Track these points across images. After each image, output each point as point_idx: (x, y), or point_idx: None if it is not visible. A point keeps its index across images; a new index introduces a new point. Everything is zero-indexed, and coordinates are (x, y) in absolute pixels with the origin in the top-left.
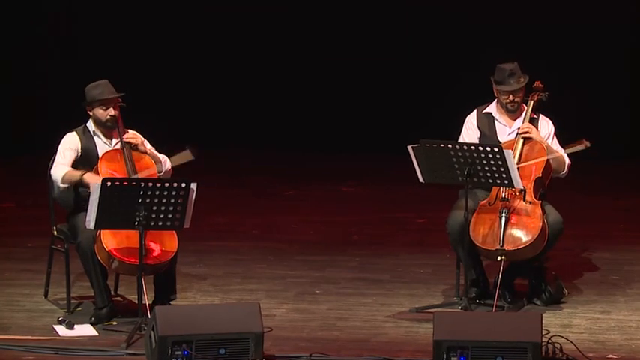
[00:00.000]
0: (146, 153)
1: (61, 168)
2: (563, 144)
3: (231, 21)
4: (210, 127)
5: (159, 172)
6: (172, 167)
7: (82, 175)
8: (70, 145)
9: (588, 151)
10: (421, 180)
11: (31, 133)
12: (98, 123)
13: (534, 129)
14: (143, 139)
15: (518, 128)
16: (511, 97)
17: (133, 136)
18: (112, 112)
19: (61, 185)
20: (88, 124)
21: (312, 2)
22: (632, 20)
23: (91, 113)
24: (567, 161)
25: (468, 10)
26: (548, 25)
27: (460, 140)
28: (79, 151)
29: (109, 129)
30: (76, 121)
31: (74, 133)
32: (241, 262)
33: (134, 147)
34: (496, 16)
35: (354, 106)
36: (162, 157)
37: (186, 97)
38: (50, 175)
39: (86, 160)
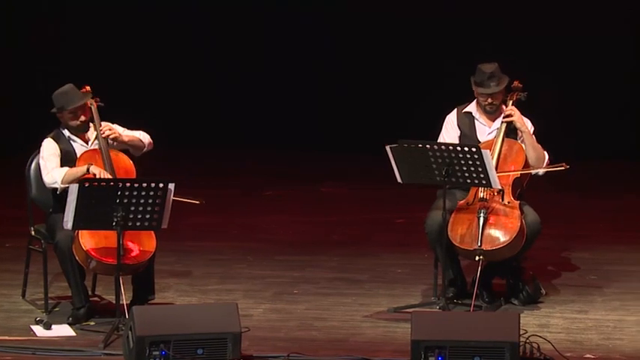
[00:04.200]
0: (124, 142)
1: (57, 171)
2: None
3: (219, 19)
4: (191, 127)
5: (141, 150)
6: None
7: (89, 168)
8: (52, 151)
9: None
10: (399, 180)
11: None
12: (70, 128)
13: (518, 112)
14: (117, 130)
15: (497, 129)
16: (489, 100)
17: (108, 128)
18: (82, 118)
19: (62, 186)
20: (61, 128)
21: (295, 3)
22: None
23: (61, 120)
24: (547, 157)
25: (451, 9)
26: (532, 23)
27: (440, 139)
28: (59, 155)
29: (81, 131)
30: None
31: (50, 139)
32: (220, 262)
33: (113, 140)
34: (479, 14)
35: (334, 106)
36: (139, 134)
37: (167, 96)
38: (44, 182)
39: (66, 163)
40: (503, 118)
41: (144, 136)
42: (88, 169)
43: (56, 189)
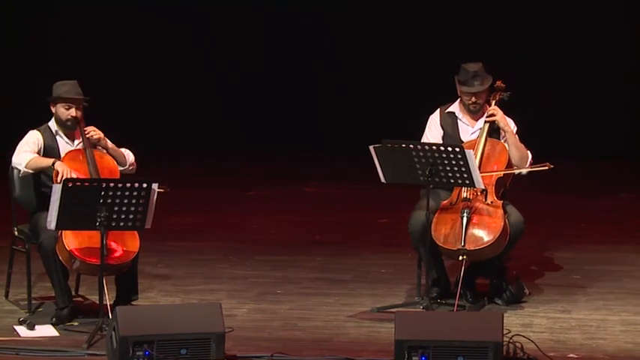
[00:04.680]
0: (107, 148)
1: (26, 154)
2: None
3: (199, 21)
4: (173, 127)
5: (122, 166)
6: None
7: (54, 163)
8: (33, 139)
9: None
10: (383, 180)
11: None
12: (59, 122)
13: (500, 111)
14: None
15: (480, 129)
16: (473, 99)
17: (93, 130)
18: (73, 112)
19: (23, 169)
20: (50, 124)
21: (278, 4)
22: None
23: (53, 110)
24: (530, 157)
25: (433, 9)
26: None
27: (423, 139)
28: (42, 148)
29: (69, 129)
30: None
31: (37, 131)
32: (203, 262)
33: (96, 142)
34: (461, 13)
35: (317, 106)
36: (125, 151)
37: (148, 96)
38: (11, 163)
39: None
40: (486, 117)
41: (128, 154)
42: (53, 164)
43: (19, 171)
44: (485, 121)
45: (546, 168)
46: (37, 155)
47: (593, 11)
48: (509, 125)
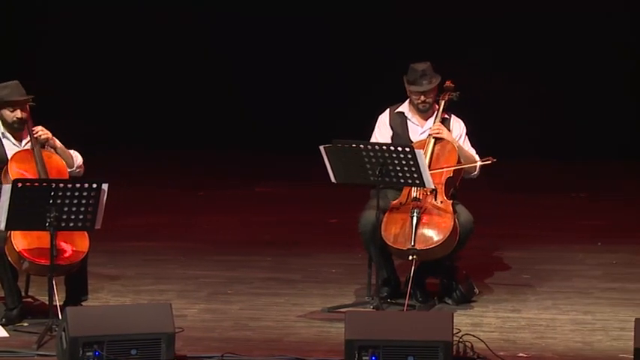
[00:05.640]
0: (55, 148)
1: None
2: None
3: (146, 21)
4: (124, 127)
5: (70, 168)
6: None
7: None
8: None
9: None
10: (333, 180)
11: None
12: (5, 124)
13: (445, 129)
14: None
15: (430, 128)
16: (422, 98)
17: (41, 129)
18: (19, 114)
19: None
20: None
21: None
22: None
23: None
24: (478, 162)
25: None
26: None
27: (373, 139)
28: None
29: (16, 130)
30: None
31: None
32: (153, 262)
33: (44, 142)
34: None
35: (268, 106)
36: (73, 153)
37: (102, 97)
38: None
39: None
40: (433, 133)
41: (76, 156)
42: None
43: None
44: (430, 135)
45: (489, 162)
46: None
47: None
48: (456, 141)
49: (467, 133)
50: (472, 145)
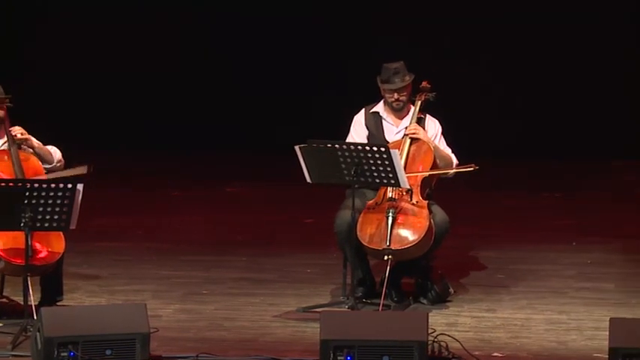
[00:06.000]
0: (33, 148)
1: None
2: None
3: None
4: (98, 128)
5: (50, 164)
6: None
7: None
8: None
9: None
10: (308, 180)
11: None
12: None
13: (421, 129)
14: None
15: (406, 128)
16: (396, 96)
17: (19, 130)
18: None
19: None
20: None
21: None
22: None
23: None
24: (455, 161)
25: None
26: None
27: (349, 139)
28: None
29: None
30: None
31: None
32: (128, 262)
33: (21, 142)
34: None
35: (239, 106)
36: (51, 149)
37: (76, 97)
38: None
39: None
40: (409, 133)
41: (55, 151)
42: None
43: None
44: (407, 135)
45: (471, 169)
46: None
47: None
48: (432, 141)
49: (443, 133)
50: (448, 145)
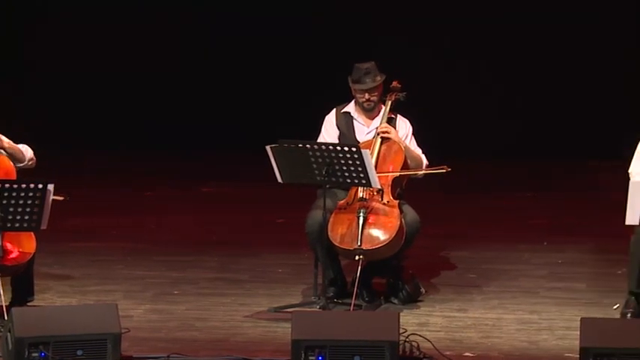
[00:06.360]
0: (4, 148)
1: None
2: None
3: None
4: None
5: (21, 163)
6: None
7: None
8: None
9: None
10: (280, 180)
11: None
12: None
13: (393, 129)
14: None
15: (377, 127)
16: (367, 96)
17: None
18: None
19: None
20: None
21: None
22: None
23: None
24: (425, 161)
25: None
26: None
27: (320, 139)
28: None
29: None
30: None
31: None
32: (99, 263)
33: None
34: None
35: (214, 106)
36: (23, 147)
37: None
38: None
39: None
40: (380, 132)
41: (26, 149)
42: None
43: None
44: (378, 134)
45: (443, 171)
46: None
47: None
48: (403, 142)
49: (413, 133)
50: (419, 145)
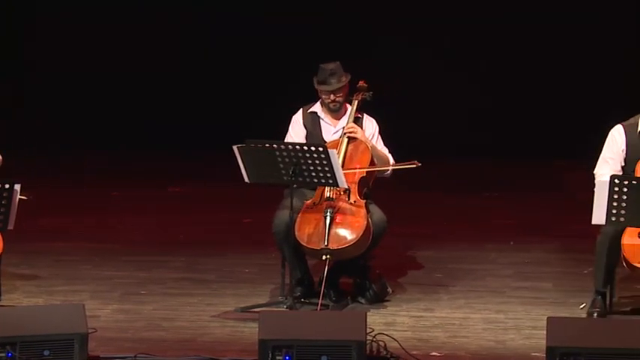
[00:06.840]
0: None
1: None
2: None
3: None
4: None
5: None
6: None
7: None
8: None
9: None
10: (247, 180)
11: None
12: None
13: (359, 129)
14: None
15: (343, 127)
16: (332, 97)
17: None
18: None
19: None
20: None
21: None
22: None
23: None
24: (392, 160)
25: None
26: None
27: (287, 139)
28: None
29: None
30: None
31: None
32: (66, 263)
33: None
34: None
35: (181, 106)
36: None
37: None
38: None
39: None
40: (347, 132)
41: None
42: None
43: None
44: (345, 133)
45: (414, 166)
46: None
47: None
48: (370, 141)
49: (380, 132)
50: (386, 145)
